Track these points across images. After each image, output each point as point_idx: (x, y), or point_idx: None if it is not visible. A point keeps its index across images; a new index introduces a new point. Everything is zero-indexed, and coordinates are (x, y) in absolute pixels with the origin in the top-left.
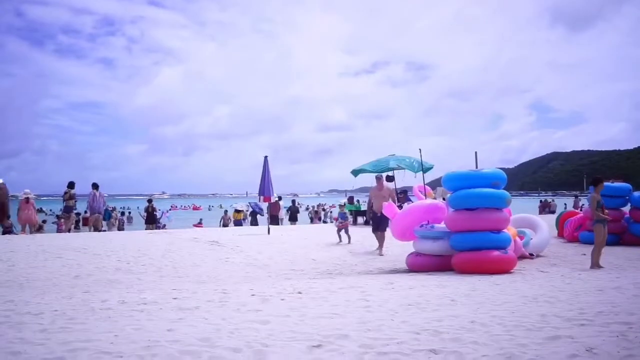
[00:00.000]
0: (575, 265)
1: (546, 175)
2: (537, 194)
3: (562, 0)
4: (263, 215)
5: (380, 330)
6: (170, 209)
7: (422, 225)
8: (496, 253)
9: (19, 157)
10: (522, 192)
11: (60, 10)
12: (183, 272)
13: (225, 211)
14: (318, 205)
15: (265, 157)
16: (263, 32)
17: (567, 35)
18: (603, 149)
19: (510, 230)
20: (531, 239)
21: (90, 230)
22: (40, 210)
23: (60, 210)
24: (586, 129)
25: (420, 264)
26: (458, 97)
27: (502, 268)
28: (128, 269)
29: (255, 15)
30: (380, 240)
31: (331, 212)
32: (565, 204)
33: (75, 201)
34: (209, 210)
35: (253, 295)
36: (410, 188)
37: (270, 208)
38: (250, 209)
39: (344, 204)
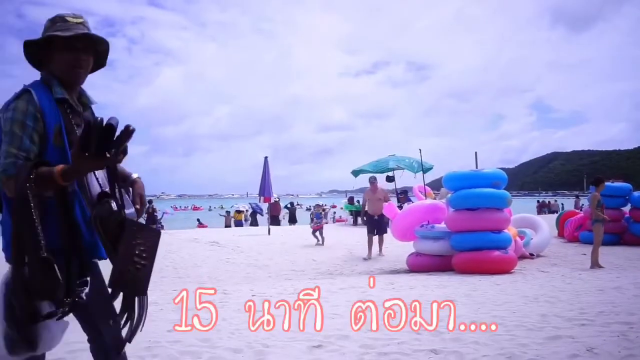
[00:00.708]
0: (576, 265)
1: (547, 175)
2: (538, 194)
3: (562, 1)
4: (263, 216)
5: (380, 331)
6: (172, 211)
7: (422, 226)
8: (497, 253)
9: None
10: (525, 192)
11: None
12: (183, 272)
13: (227, 212)
14: (318, 206)
15: (266, 157)
16: (263, 32)
17: (568, 36)
18: (603, 149)
19: (510, 230)
20: (531, 239)
21: None
22: None
23: None
24: (586, 129)
25: (420, 264)
26: (458, 97)
27: (502, 268)
28: None
29: (255, 16)
30: (380, 241)
31: (334, 212)
32: (562, 204)
33: None
34: (209, 210)
35: (254, 295)
36: (411, 188)
37: (270, 208)
38: (251, 210)
39: (321, 205)
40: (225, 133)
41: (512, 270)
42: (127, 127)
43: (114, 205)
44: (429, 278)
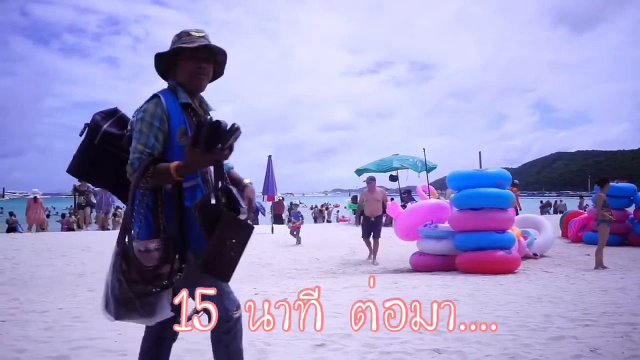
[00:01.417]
0: (579, 265)
1: (550, 176)
2: (541, 194)
3: (564, 1)
4: (265, 215)
5: (383, 330)
6: None
7: (426, 225)
8: (500, 253)
9: (24, 156)
10: (534, 192)
11: (65, 9)
12: None
13: None
14: (295, 206)
15: (269, 156)
16: (267, 31)
17: (570, 36)
18: (607, 149)
19: (514, 230)
20: (535, 239)
21: (99, 228)
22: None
23: (66, 208)
24: (590, 129)
25: (424, 264)
26: (461, 96)
27: (506, 268)
28: None
29: (259, 15)
30: (375, 247)
31: (338, 211)
32: (565, 204)
33: (87, 196)
34: None
35: (256, 294)
36: (414, 188)
37: (274, 207)
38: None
39: (299, 204)
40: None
41: (516, 271)
42: (232, 125)
43: (213, 198)
44: (432, 278)
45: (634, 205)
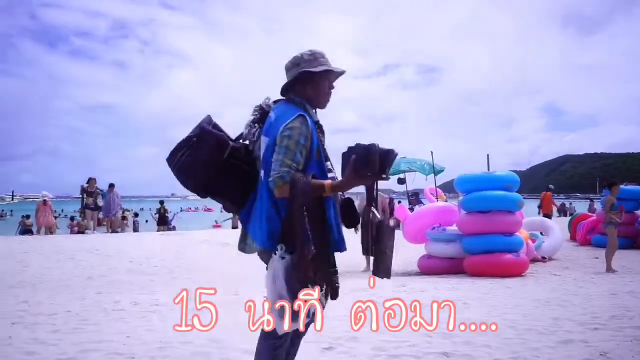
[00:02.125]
0: (588, 268)
1: (559, 178)
2: (555, 197)
3: (572, 4)
4: None
5: (391, 333)
6: (180, 215)
7: (433, 228)
8: (508, 256)
9: (33, 159)
10: (537, 194)
11: (73, 13)
12: (195, 273)
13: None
14: None
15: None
16: (274, 34)
17: (579, 38)
18: (616, 152)
19: (522, 233)
20: (543, 242)
21: (108, 231)
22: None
23: (75, 211)
24: (599, 132)
25: (432, 267)
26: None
27: (514, 271)
28: (140, 270)
29: (265, 18)
30: None
31: None
32: (574, 206)
33: (95, 197)
34: (221, 212)
35: (265, 297)
36: (422, 190)
37: None
38: None
39: None
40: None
41: (524, 274)
42: (393, 151)
43: (376, 212)
44: (441, 280)
45: None
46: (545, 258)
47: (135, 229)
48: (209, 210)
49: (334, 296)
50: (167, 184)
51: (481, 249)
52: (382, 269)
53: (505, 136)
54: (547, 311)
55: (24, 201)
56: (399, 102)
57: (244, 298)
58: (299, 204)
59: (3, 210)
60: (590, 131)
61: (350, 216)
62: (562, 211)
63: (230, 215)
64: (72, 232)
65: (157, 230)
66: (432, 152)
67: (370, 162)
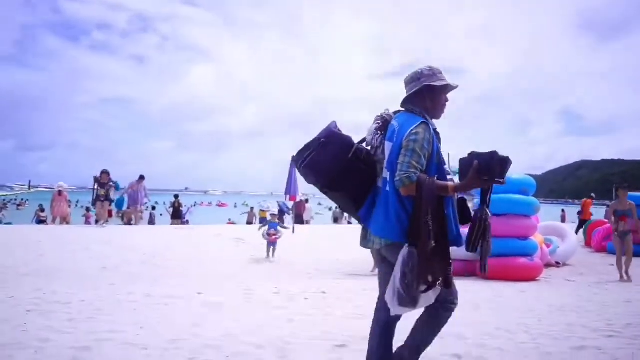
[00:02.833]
0: (602, 275)
1: (575, 184)
2: (565, 202)
3: (590, 10)
4: (290, 215)
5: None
6: (193, 209)
7: None
8: (522, 260)
9: (52, 150)
10: (553, 199)
11: (95, 6)
12: (207, 267)
13: (251, 208)
14: (274, 215)
15: (292, 156)
16: (293, 32)
17: (597, 44)
18: (633, 159)
19: (537, 238)
20: (558, 247)
21: (122, 223)
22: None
23: (90, 202)
24: (616, 138)
25: None
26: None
27: (528, 275)
28: (153, 263)
29: (285, 15)
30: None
31: None
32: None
33: (108, 189)
34: (235, 207)
35: (277, 293)
36: None
37: (295, 208)
38: (278, 208)
39: (277, 213)
40: (252, 131)
41: (538, 278)
42: (509, 159)
43: (489, 212)
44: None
45: None
46: (560, 263)
47: (152, 222)
48: (222, 205)
49: (448, 285)
50: (182, 178)
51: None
52: (484, 263)
53: (522, 140)
54: (561, 317)
55: (37, 192)
56: None
57: (256, 293)
58: (425, 202)
59: (22, 200)
60: (608, 137)
61: (464, 214)
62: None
63: (248, 209)
64: (86, 223)
65: (171, 224)
66: (448, 154)
67: (492, 167)
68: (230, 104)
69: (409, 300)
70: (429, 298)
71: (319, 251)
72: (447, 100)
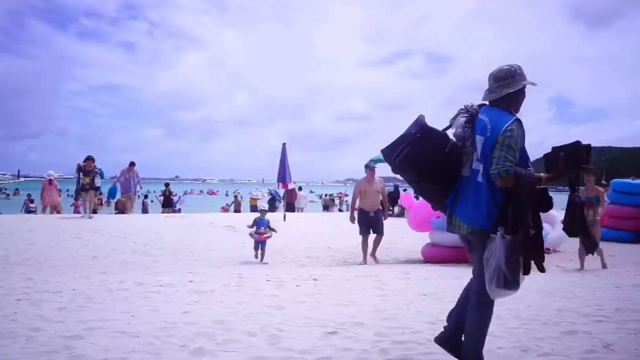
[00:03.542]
0: (592, 261)
1: None
2: (555, 189)
3: None
4: (281, 202)
5: (395, 319)
6: (184, 198)
7: (439, 217)
8: None
9: (40, 139)
10: (557, 186)
11: None
12: (199, 255)
13: (235, 196)
14: (263, 211)
15: (284, 144)
16: (284, 19)
17: (588, 32)
18: (623, 146)
19: None
20: (548, 233)
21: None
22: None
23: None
24: (606, 125)
25: (435, 255)
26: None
27: None
28: (145, 252)
29: (276, 2)
30: (376, 242)
31: (347, 201)
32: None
33: (93, 177)
34: (226, 195)
35: (268, 280)
36: None
37: (286, 195)
38: (270, 196)
39: (267, 208)
40: (243, 119)
41: None
42: (590, 145)
43: (581, 197)
44: (444, 269)
45: None
46: (550, 250)
47: (145, 211)
48: (214, 194)
49: (542, 270)
50: (172, 166)
51: None
52: (591, 244)
53: None
54: (551, 302)
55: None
56: (408, 91)
57: (248, 281)
58: (523, 193)
59: (16, 189)
60: (598, 124)
61: (546, 203)
62: None
63: (233, 198)
64: (75, 212)
65: (162, 212)
66: None
67: (578, 155)
68: (221, 91)
69: (514, 284)
70: (520, 283)
71: (310, 239)
72: (525, 97)
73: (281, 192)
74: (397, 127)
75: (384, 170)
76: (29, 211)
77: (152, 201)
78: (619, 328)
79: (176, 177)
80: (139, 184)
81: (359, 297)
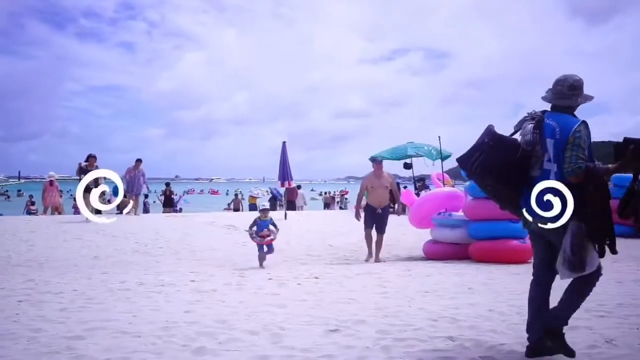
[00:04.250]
0: None
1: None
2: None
3: None
4: (282, 201)
5: (397, 317)
6: (185, 199)
7: (439, 213)
8: (514, 242)
9: (40, 139)
10: None
11: None
12: (200, 255)
13: (236, 194)
14: (264, 211)
15: (284, 142)
16: (283, 17)
17: (586, 27)
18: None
19: None
20: None
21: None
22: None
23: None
24: (605, 120)
25: (437, 252)
26: (477, 86)
27: (520, 257)
28: (146, 252)
29: (274, 0)
30: (378, 243)
31: (346, 199)
32: None
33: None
34: (227, 194)
35: (270, 279)
36: (429, 176)
37: (287, 193)
38: (271, 194)
39: (269, 207)
40: (243, 118)
41: (530, 260)
42: None
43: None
44: (446, 266)
45: None
46: None
47: (146, 211)
48: (215, 193)
49: (614, 251)
50: (173, 165)
51: (487, 235)
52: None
53: (513, 123)
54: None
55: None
56: (407, 88)
57: (249, 280)
58: (595, 185)
59: (7, 191)
60: (597, 119)
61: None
62: None
63: (234, 197)
64: (75, 213)
65: (163, 212)
66: (439, 138)
67: None
68: (221, 90)
69: (579, 266)
70: (592, 265)
71: (311, 237)
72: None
73: (282, 190)
74: (396, 124)
75: (384, 168)
76: (30, 213)
77: (154, 201)
78: (621, 323)
79: (176, 176)
80: (145, 183)
81: (360, 294)
